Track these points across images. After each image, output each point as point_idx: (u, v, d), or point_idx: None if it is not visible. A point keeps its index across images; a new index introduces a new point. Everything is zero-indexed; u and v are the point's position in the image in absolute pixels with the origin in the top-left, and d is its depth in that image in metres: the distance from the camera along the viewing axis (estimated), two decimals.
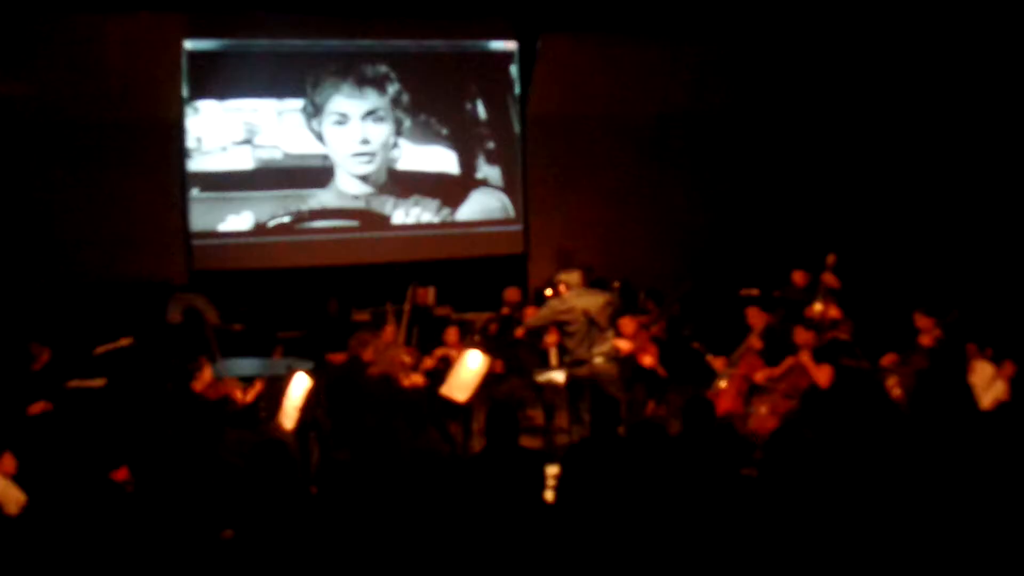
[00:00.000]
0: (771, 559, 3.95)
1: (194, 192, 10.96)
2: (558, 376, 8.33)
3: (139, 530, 4.59)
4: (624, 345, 7.96)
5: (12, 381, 7.79)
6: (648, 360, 8.42)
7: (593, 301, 7.68)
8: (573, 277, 8.03)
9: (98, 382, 8.06)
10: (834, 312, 8.40)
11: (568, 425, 8.49)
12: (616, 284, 10.66)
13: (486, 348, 8.33)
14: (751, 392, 7.87)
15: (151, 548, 4.33)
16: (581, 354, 7.52)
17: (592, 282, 9.05)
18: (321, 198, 11.45)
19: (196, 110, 10.90)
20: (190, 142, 10.89)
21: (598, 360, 7.46)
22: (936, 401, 6.62)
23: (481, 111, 12.05)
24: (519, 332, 8.82)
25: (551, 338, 9.07)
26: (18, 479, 6.22)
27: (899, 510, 4.43)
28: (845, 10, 11.06)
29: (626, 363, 8.17)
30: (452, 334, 8.82)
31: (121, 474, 6.51)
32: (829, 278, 8.83)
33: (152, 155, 10.66)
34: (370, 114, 11.57)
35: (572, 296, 7.77)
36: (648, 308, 9.46)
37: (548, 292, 10.95)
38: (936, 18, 10.71)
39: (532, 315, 9.07)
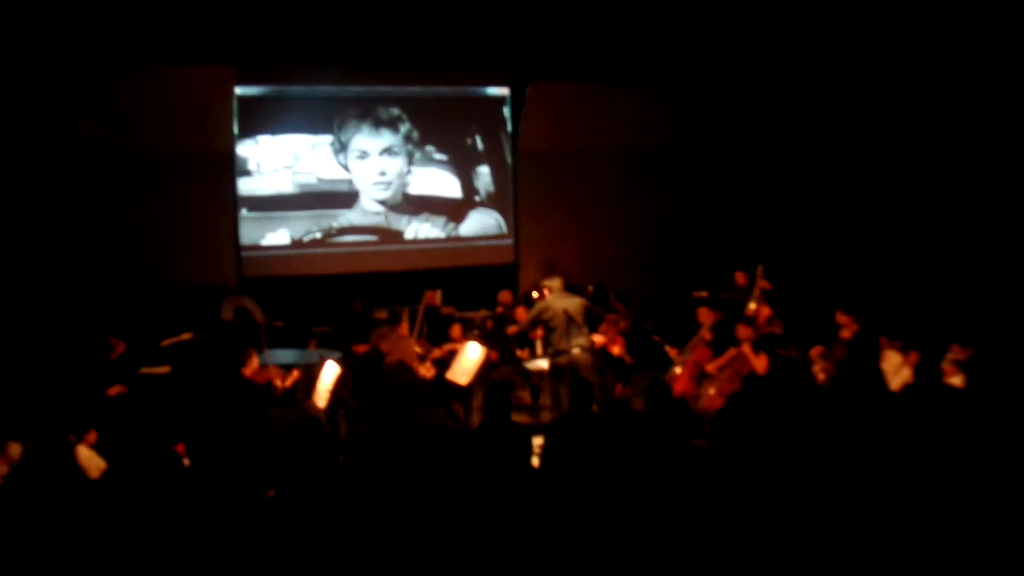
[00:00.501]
0: (716, 513, 3.97)
1: (243, 212, 10.95)
2: (542, 364, 8.35)
3: (197, 491, 4.60)
4: (598, 339, 7.98)
5: (94, 369, 7.79)
6: (617, 350, 8.45)
7: (571, 302, 7.68)
8: (555, 283, 8.00)
9: (164, 369, 8.07)
10: (765, 311, 8.42)
11: (551, 404, 8.51)
12: (590, 288, 10.69)
13: (484, 341, 8.35)
14: (701, 377, 7.89)
15: (207, 506, 4.34)
16: (562, 346, 7.51)
17: (569, 287, 9.04)
18: (348, 217, 11.44)
19: (245, 144, 10.90)
20: (240, 171, 10.89)
21: (575, 351, 7.45)
22: (854, 384, 6.65)
23: (479, 145, 12.05)
24: (513, 330, 8.83)
25: (536, 333, 9.09)
26: (99, 449, 6.22)
27: (822, 472, 4.45)
28: (775, 60, 11.15)
29: (599, 353, 8.19)
30: (456, 329, 8.82)
31: (183, 447, 6.50)
32: (762, 283, 8.88)
33: (208, 182, 10.64)
34: (386, 150, 11.56)
35: (554, 298, 7.77)
36: (617, 308, 9.47)
37: (535, 295, 10.97)
38: (854, 63, 10.79)
39: (523, 315, 9.08)
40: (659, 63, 11.02)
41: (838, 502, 4.14)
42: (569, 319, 7.43)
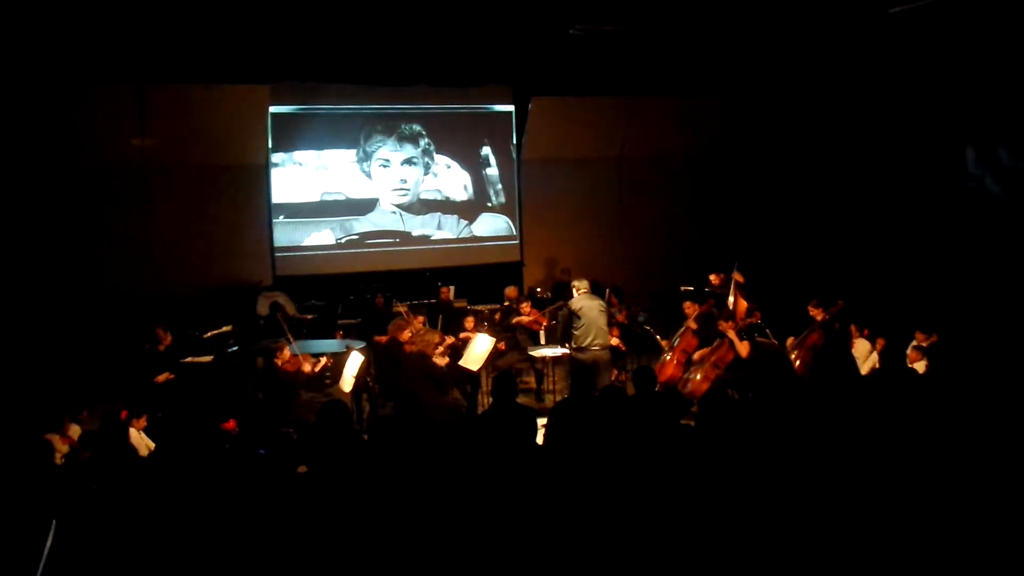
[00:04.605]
0: (702, 484, 3.93)
1: (280, 218, 10.92)
2: (546, 351, 8.29)
3: (234, 465, 4.57)
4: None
5: (144, 358, 7.76)
6: (615, 340, 8.37)
7: (596, 304, 7.57)
8: (583, 284, 7.82)
9: (207, 358, 8.04)
10: (742, 303, 8.32)
11: (554, 387, 8.47)
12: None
13: (492, 331, 8.31)
14: (689, 363, 7.82)
15: (244, 478, 4.31)
16: (584, 343, 7.36)
17: (563, 283, 8.92)
18: (370, 221, 11.39)
19: (278, 157, 10.87)
20: (274, 181, 10.86)
21: (595, 348, 7.34)
22: (827, 369, 6.59)
23: (489, 155, 12.01)
24: (522, 320, 8.78)
25: (543, 324, 9.04)
26: (147, 431, 6.20)
27: (798, 447, 4.41)
28: (754, 74, 11.10)
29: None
30: (468, 321, 8.77)
31: (229, 424, 6.46)
32: (736, 276, 8.78)
33: (246, 191, 10.61)
34: (407, 161, 11.54)
35: (585, 299, 7.59)
36: (612, 301, 9.40)
37: (539, 291, 10.93)
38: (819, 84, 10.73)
39: (527, 308, 9.00)
40: (646, 78, 10.96)
41: (816, 476, 4.09)
42: (597, 320, 7.35)
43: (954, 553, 3.57)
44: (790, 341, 7.77)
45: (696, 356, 7.72)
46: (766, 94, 11.46)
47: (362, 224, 11.34)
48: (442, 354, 7.73)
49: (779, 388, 5.51)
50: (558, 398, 7.90)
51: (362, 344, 7.79)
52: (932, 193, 9.99)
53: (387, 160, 11.42)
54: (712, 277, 9.42)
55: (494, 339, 7.86)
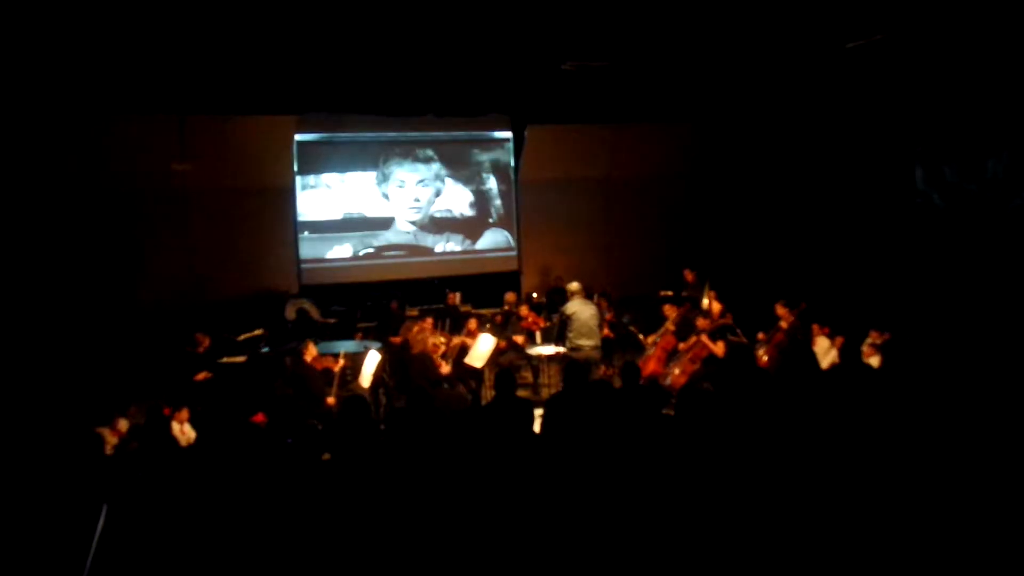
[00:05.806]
0: (680, 468, 3.95)
1: (305, 233, 10.95)
2: (542, 350, 8.31)
3: (266, 452, 4.58)
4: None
5: (185, 359, 7.78)
6: (604, 331, 8.37)
7: (592, 309, 7.57)
8: (576, 286, 7.79)
9: (241, 359, 8.06)
10: (716, 305, 8.34)
11: (549, 382, 8.47)
12: None
13: (494, 332, 8.32)
14: (669, 359, 7.84)
15: (275, 464, 4.32)
16: (578, 343, 7.36)
17: (559, 289, 8.93)
18: (386, 236, 11.41)
19: (304, 181, 10.90)
20: (301, 201, 10.88)
21: (587, 348, 7.34)
22: (791, 364, 6.60)
23: (490, 177, 12.04)
24: (526, 324, 8.79)
25: (539, 324, 9.05)
26: (189, 424, 6.22)
27: (763, 433, 4.42)
28: (724, 100, 11.13)
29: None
30: (472, 323, 8.79)
31: (258, 418, 6.47)
32: (709, 293, 8.77)
33: (274, 210, 10.63)
34: (420, 181, 11.58)
35: (580, 304, 7.57)
36: (600, 304, 9.41)
37: (535, 296, 10.94)
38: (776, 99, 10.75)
39: (526, 311, 9.02)
40: (629, 107, 10.99)
41: (779, 458, 4.11)
42: (588, 323, 7.35)
43: (904, 525, 3.58)
44: (759, 338, 7.79)
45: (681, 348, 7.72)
46: (736, 119, 11.49)
47: (379, 239, 11.36)
48: (444, 354, 7.73)
49: (748, 381, 5.52)
50: (553, 391, 7.90)
51: (379, 345, 7.81)
52: (886, 208, 10.02)
53: (403, 181, 11.47)
54: (687, 272, 9.45)
55: (496, 339, 7.89)
